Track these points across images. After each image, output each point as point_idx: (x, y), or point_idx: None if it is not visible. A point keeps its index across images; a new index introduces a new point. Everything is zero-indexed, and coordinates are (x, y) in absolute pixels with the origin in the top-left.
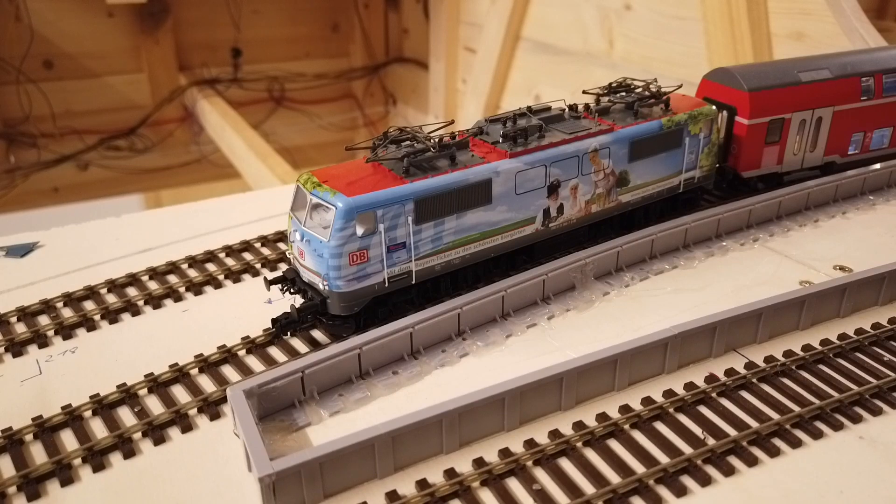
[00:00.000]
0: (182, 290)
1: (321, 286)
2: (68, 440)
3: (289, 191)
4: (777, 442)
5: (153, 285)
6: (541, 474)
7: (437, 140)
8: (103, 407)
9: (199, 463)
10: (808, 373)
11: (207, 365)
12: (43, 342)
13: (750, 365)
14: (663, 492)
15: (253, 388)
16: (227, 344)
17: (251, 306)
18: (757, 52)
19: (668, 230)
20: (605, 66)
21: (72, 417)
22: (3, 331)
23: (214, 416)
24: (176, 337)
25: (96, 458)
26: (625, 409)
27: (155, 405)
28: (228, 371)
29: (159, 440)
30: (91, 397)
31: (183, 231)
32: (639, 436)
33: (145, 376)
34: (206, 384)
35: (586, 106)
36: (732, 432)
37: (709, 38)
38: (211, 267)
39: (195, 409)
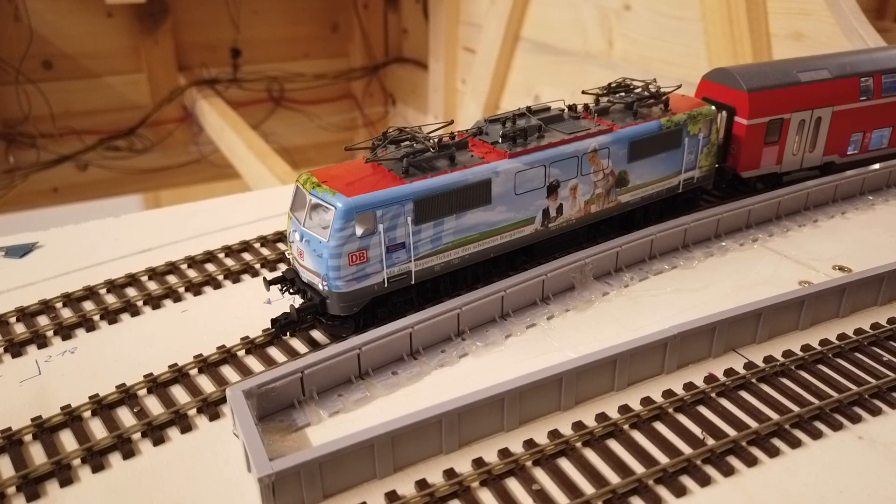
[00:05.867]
0: (181, 290)
1: (320, 286)
2: (67, 440)
3: (288, 191)
4: (776, 442)
5: (152, 286)
6: (540, 474)
7: (436, 140)
8: (102, 407)
9: (198, 463)
10: (807, 373)
11: (207, 365)
12: (42, 342)
13: (749, 365)
14: (663, 492)
15: (252, 388)
16: (226, 344)
17: (250, 306)
18: (756, 53)
19: (668, 230)
20: (604, 67)
21: (71, 418)
22: (2, 331)
23: (214, 417)
24: (175, 337)
25: (96, 459)
26: (624, 409)
27: (154, 405)
28: (228, 371)
29: (159, 440)
30: (90, 398)
31: (182, 231)
32: (638, 436)
33: (144, 376)
34: (206, 384)
35: (585, 106)
36: (732, 432)
37: (708, 38)
38: (210, 267)
39: (194, 410)
